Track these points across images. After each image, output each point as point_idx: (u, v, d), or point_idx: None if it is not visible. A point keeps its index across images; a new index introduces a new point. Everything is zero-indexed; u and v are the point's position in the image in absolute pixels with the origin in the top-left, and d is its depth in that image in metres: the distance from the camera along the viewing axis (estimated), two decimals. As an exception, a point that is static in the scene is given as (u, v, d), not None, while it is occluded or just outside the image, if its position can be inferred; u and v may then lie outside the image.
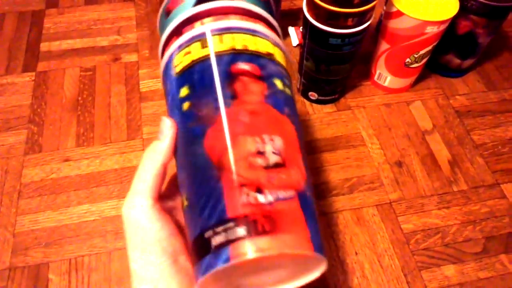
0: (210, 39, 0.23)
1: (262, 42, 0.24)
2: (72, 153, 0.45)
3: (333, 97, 0.50)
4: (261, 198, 0.18)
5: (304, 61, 0.46)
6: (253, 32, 0.24)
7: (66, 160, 0.45)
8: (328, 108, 0.50)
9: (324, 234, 0.41)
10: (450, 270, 0.39)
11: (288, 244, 0.18)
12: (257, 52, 0.23)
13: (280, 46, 0.26)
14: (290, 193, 0.19)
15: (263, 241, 0.17)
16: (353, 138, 0.48)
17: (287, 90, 0.24)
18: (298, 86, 0.51)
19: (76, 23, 0.58)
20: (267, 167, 0.19)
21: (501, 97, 0.52)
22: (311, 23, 0.41)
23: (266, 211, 0.18)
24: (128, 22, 0.58)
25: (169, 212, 0.23)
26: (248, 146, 0.19)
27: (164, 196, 0.25)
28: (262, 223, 0.18)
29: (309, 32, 0.42)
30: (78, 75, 0.52)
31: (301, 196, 0.20)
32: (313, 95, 0.50)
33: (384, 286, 0.38)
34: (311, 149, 0.47)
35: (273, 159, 0.19)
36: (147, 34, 0.57)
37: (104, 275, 0.38)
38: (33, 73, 0.52)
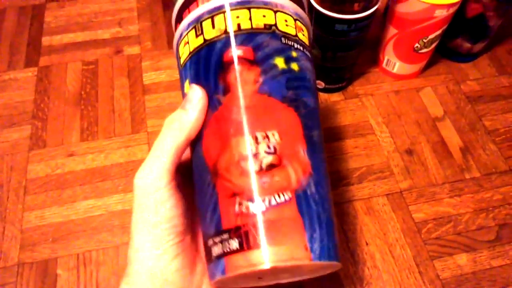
0: (201, 25, 0.21)
1: (259, 13, 0.20)
2: (76, 148, 0.45)
3: (340, 85, 0.49)
4: (252, 207, 0.17)
5: (310, 49, 0.45)
6: (247, 3, 0.21)
7: (71, 155, 0.44)
8: (336, 96, 0.49)
9: (333, 224, 0.40)
10: (462, 259, 0.38)
11: (281, 257, 0.16)
12: (252, 29, 0.20)
13: (286, 7, 0.22)
14: (286, 196, 0.17)
15: (256, 255, 0.17)
16: (362, 126, 0.47)
17: (294, 66, 0.21)
18: (304, 74, 0.50)
19: (77, 16, 0.57)
20: (260, 170, 0.17)
21: (513, 81, 0.51)
22: (316, 9, 0.40)
23: (257, 221, 0.17)
24: (129, 13, 0.57)
25: (183, 186, 0.22)
26: (240, 149, 0.18)
27: (180, 168, 0.23)
28: (253, 235, 0.17)
29: (315, 18, 0.41)
30: (81, 69, 0.52)
31: (300, 197, 0.18)
32: (319, 83, 0.49)
33: (396, 276, 0.37)
34: (318, 139, 0.46)
35: (267, 160, 0.17)
36: (149, 26, 0.56)
37: (112, 270, 0.38)
38: (36, 68, 0.52)
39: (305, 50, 0.22)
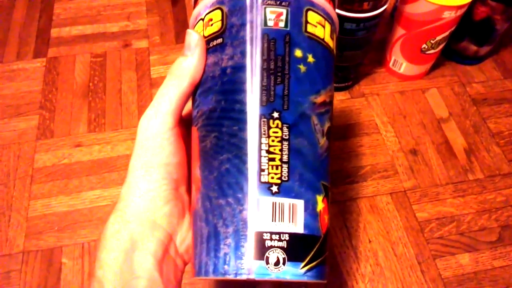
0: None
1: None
2: (83, 139, 0.45)
3: (346, 84, 0.49)
4: None
5: (318, 47, 0.46)
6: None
7: (78, 146, 0.45)
8: (342, 95, 0.50)
9: (337, 222, 0.40)
10: (464, 259, 0.39)
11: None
12: None
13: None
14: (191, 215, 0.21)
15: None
16: (367, 125, 0.47)
17: None
18: (310, 73, 0.50)
19: (86, 9, 0.58)
20: None
21: (518, 85, 0.51)
22: (326, 7, 0.40)
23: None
24: (138, 8, 0.58)
25: (184, 139, 0.22)
26: None
27: (185, 121, 0.23)
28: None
29: (324, 16, 0.41)
30: (89, 61, 0.52)
31: (194, 212, 0.20)
32: (326, 82, 0.49)
33: (398, 274, 0.38)
34: (323, 137, 0.46)
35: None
36: (157, 20, 0.57)
37: (116, 260, 0.38)
38: (44, 59, 0.52)
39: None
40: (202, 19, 0.21)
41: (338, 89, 0.50)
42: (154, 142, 0.20)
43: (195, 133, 0.21)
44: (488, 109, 0.49)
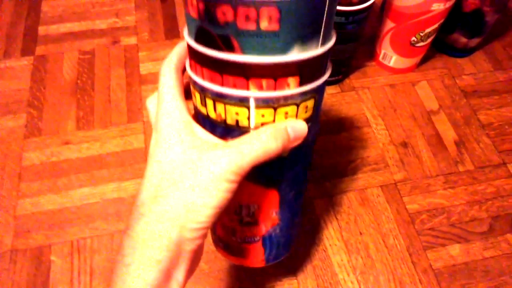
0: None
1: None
2: (72, 136, 0.45)
3: (337, 78, 0.49)
4: (233, 237, 0.27)
5: (307, 41, 0.45)
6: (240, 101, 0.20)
7: (66, 143, 0.44)
8: (332, 89, 0.50)
9: (328, 215, 0.40)
10: (455, 250, 0.39)
11: (242, 262, 0.29)
12: (245, 127, 0.20)
13: (292, 98, 0.19)
14: (255, 238, 0.27)
15: (229, 257, 0.29)
16: (358, 119, 0.47)
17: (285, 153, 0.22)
18: (300, 67, 0.50)
19: (74, 6, 0.57)
20: (240, 224, 0.26)
21: (508, 76, 0.51)
22: (314, 0, 0.40)
23: (236, 243, 0.28)
24: (127, 4, 0.57)
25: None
26: (230, 208, 0.25)
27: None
28: (232, 247, 0.28)
29: (312, 9, 0.41)
30: (77, 58, 0.52)
31: (265, 238, 0.27)
32: (316, 76, 0.49)
33: (389, 265, 0.38)
34: (314, 131, 0.46)
35: (246, 219, 0.26)
36: (146, 17, 0.56)
37: (106, 257, 0.38)
38: (32, 57, 0.52)
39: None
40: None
41: (329, 83, 0.50)
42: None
43: (272, 192, 0.24)
44: (478, 101, 0.49)
